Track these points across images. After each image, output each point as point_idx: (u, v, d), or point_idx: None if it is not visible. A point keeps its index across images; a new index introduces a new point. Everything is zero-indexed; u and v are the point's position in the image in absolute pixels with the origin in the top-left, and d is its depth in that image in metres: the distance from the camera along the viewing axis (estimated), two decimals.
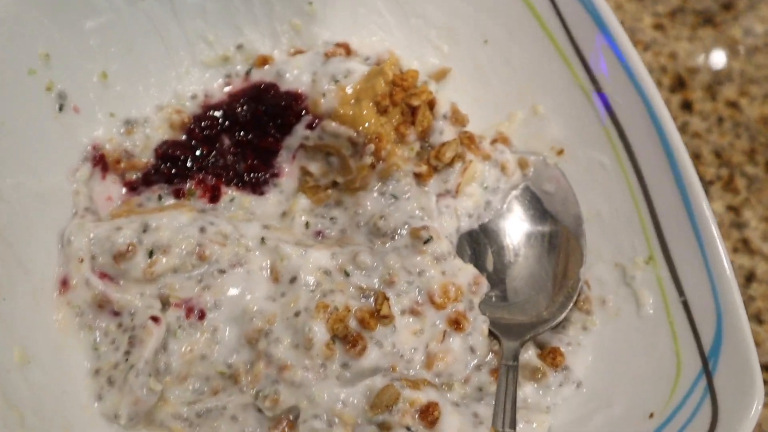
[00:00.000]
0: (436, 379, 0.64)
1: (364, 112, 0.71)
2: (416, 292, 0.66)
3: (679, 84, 0.91)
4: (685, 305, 0.65)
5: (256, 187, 0.72)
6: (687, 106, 0.90)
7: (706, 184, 0.86)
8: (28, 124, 0.63)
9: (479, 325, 0.66)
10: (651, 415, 0.62)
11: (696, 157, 0.87)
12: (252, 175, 0.72)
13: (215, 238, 0.66)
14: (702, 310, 0.63)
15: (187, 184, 0.70)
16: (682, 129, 0.89)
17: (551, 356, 0.67)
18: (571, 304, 0.68)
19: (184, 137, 0.72)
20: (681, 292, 0.65)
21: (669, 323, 0.65)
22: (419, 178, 0.72)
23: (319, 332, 0.62)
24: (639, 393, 0.64)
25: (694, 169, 0.66)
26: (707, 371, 0.61)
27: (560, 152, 0.75)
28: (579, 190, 0.73)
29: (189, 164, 0.71)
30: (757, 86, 0.92)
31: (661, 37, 0.94)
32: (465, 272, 0.68)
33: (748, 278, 0.81)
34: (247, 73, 0.75)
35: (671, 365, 0.64)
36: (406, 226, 0.69)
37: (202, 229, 0.66)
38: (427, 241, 0.68)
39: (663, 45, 0.94)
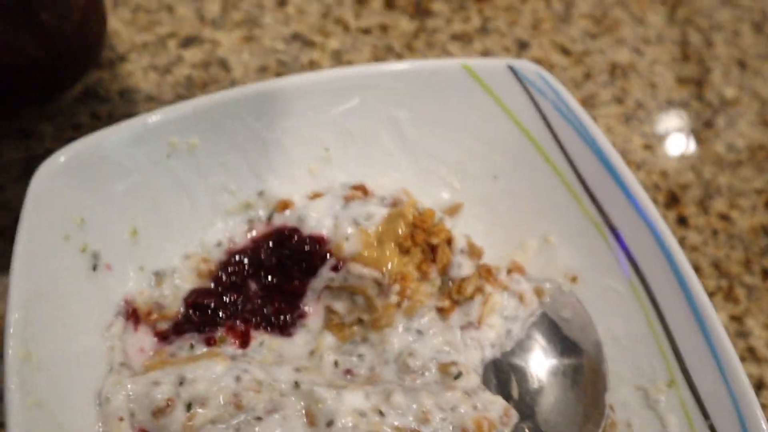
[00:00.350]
0: None
1: (387, 253, 0.74)
2: (450, 429, 0.67)
3: (672, 200, 0.96)
4: (712, 429, 0.67)
5: (284, 330, 0.74)
6: (682, 221, 0.94)
7: (709, 296, 0.89)
8: (66, 289, 0.65)
9: None
10: None
11: (696, 270, 0.91)
12: (279, 317, 0.74)
13: (250, 386, 0.67)
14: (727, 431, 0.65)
15: (218, 332, 0.72)
16: (681, 243, 0.93)
17: None
18: (600, 431, 0.70)
19: (212, 285, 0.74)
20: (706, 415, 0.67)
21: None
22: (442, 312, 0.75)
23: None
24: None
25: (705, 293, 0.69)
26: None
27: (574, 279, 0.78)
28: (595, 315, 0.76)
29: (218, 312, 0.72)
30: (745, 198, 0.97)
31: (651, 157, 1.00)
32: (495, 405, 0.69)
33: (758, 386, 0.84)
34: (269, 218, 0.78)
35: None
36: (434, 361, 0.71)
37: (237, 378, 0.67)
38: (456, 377, 0.69)
39: (653, 164, 0.99)
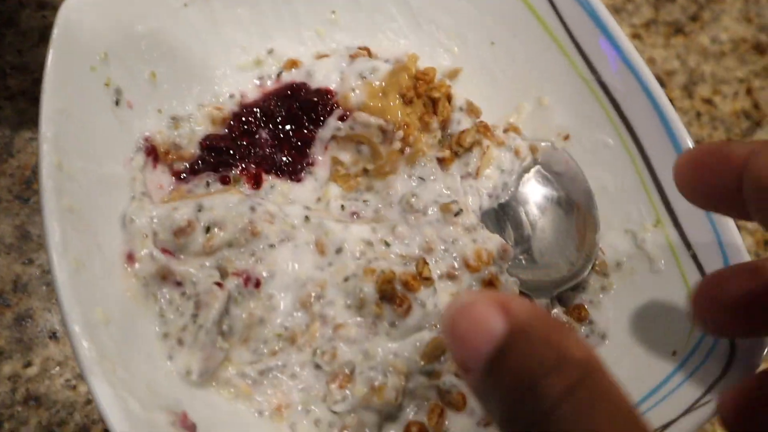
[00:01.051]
0: None
1: (392, 103, 0.78)
2: (452, 258, 0.72)
3: (659, 85, 1.01)
4: (694, 257, 0.72)
5: (293, 175, 0.78)
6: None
7: None
8: (91, 115, 0.68)
9: (510, 286, 0.72)
10: (674, 353, 0.68)
11: None
12: (289, 164, 0.78)
13: (264, 217, 0.71)
14: (710, 259, 0.71)
15: (232, 172, 0.76)
16: None
17: (576, 312, 0.73)
18: (591, 265, 0.75)
19: (225, 131, 0.78)
20: (689, 246, 0.73)
21: (681, 275, 0.72)
22: (442, 162, 0.79)
23: (370, 293, 0.68)
24: (659, 337, 0.70)
25: (689, 137, 0.74)
26: None
27: (566, 137, 0.83)
28: (586, 169, 0.81)
29: (232, 154, 0.76)
30: (728, 86, 1.02)
31: (639, 45, 1.04)
32: (494, 241, 0.74)
33: None
34: (279, 75, 0.82)
35: (687, 310, 0.71)
36: (436, 203, 0.76)
37: (252, 209, 0.71)
38: (457, 214, 0.74)
39: (641, 52, 1.03)
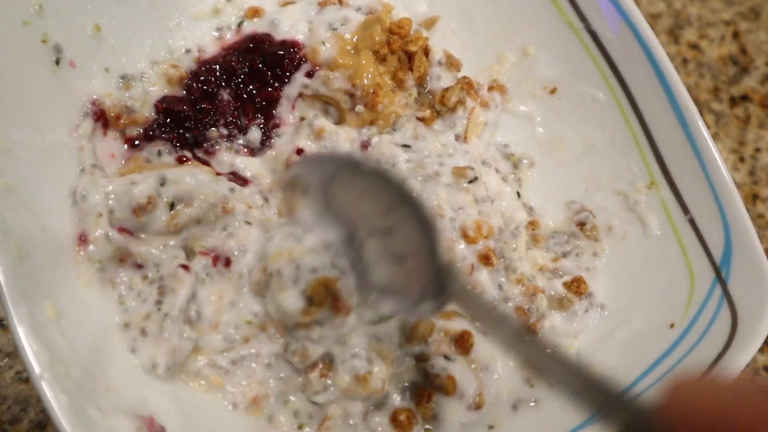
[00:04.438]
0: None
1: (363, 61, 0.71)
2: (452, 227, 0.66)
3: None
4: (692, 222, 0.68)
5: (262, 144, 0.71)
6: None
7: None
8: (28, 78, 0.60)
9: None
10: (672, 325, 0.65)
11: None
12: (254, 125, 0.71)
13: (242, 199, 0.65)
14: (709, 224, 0.66)
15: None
16: None
17: (575, 285, 0.69)
18: None
19: (183, 93, 0.70)
20: (686, 210, 0.68)
21: (677, 240, 0.68)
22: (424, 122, 0.73)
23: None
24: (657, 307, 0.67)
25: (687, 92, 0.69)
26: (721, 279, 0.64)
27: (553, 91, 0.77)
28: (574, 125, 0.76)
29: (193, 120, 0.69)
30: (714, 29, 0.97)
31: None
32: (496, 217, 0.69)
33: None
34: (239, 25, 0.74)
35: (685, 278, 0.67)
36: (448, 167, 0.69)
37: (232, 189, 0.65)
38: (471, 181, 0.68)
39: None
